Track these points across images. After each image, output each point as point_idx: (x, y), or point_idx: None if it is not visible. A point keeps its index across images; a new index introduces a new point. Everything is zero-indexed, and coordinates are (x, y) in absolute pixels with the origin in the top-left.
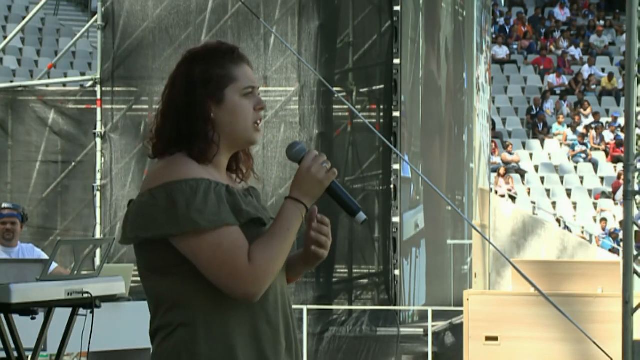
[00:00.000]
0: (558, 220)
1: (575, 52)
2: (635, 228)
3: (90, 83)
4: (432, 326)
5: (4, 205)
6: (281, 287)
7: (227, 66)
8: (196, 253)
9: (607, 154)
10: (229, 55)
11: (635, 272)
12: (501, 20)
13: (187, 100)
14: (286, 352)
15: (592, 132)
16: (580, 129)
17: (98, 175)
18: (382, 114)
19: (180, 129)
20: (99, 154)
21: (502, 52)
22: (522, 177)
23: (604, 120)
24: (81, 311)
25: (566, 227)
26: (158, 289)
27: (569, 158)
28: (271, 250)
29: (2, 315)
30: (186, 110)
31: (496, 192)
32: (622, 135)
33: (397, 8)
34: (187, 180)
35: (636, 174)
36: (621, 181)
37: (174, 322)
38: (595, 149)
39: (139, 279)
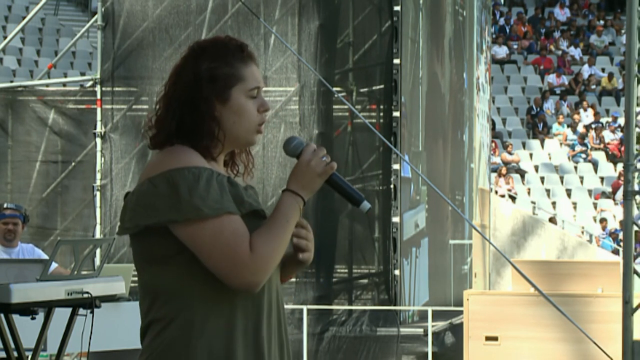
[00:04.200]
0: (551, 220)
1: (575, 52)
2: (635, 228)
3: (90, 83)
4: (432, 326)
5: (7, 205)
6: (276, 284)
7: (236, 65)
8: (197, 240)
9: (607, 154)
10: (238, 54)
11: (635, 272)
12: (501, 20)
13: (193, 96)
14: (278, 348)
15: (592, 132)
16: (580, 129)
17: (98, 175)
18: (382, 114)
19: (183, 123)
20: (99, 154)
21: (502, 52)
22: (522, 177)
23: (604, 120)
24: (81, 311)
25: (563, 228)
26: (155, 280)
27: (569, 158)
28: (272, 240)
29: (2, 315)
30: (191, 105)
31: (496, 192)
32: (622, 135)
33: (397, 8)
34: (189, 168)
35: (636, 174)
36: (621, 181)
37: (169, 314)
38: (595, 149)
39: None
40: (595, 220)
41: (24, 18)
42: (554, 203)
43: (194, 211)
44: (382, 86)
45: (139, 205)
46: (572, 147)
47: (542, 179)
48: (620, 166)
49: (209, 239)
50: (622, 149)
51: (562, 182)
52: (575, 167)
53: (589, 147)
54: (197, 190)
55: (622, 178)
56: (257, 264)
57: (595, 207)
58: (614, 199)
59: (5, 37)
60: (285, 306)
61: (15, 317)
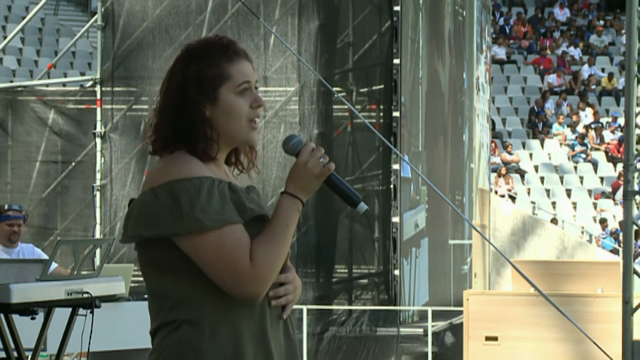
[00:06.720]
0: (552, 221)
1: (575, 52)
2: (635, 228)
3: (90, 83)
4: (432, 326)
5: (11, 207)
6: None
7: (222, 65)
8: (199, 252)
9: (607, 154)
10: (224, 53)
11: (635, 272)
12: (501, 20)
13: (182, 100)
14: (285, 352)
15: (592, 132)
16: (580, 129)
17: (98, 175)
18: (382, 114)
19: (177, 128)
20: (98, 154)
21: (502, 52)
22: (522, 177)
23: (604, 120)
24: (81, 311)
25: (563, 228)
26: (161, 286)
27: (568, 158)
28: (272, 249)
29: (2, 315)
30: (182, 109)
31: (496, 192)
32: (622, 135)
33: (397, 8)
34: (190, 179)
35: (636, 174)
36: (621, 181)
37: (178, 319)
38: (595, 149)
39: (139, 279)
40: (595, 220)
41: (24, 18)
42: (553, 203)
43: (195, 224)
44: (382, 86)
45: (141, 215)
46: (572, 147)
47: (542, 179)
48: (620, 166)
49: (211, 251)
50: (622, 149)
51: (562, 182)
52: (575, 167)
53: (589, 147)
54: (198, 202)
55: (622, 178)
56: (258, 275)
57: (595, 207)
58: (614, 199)
59: (5, 37)
60: None
61: (15, 317)
